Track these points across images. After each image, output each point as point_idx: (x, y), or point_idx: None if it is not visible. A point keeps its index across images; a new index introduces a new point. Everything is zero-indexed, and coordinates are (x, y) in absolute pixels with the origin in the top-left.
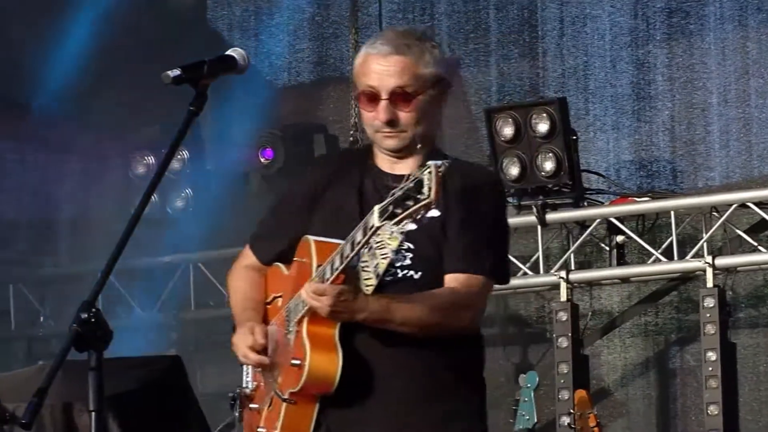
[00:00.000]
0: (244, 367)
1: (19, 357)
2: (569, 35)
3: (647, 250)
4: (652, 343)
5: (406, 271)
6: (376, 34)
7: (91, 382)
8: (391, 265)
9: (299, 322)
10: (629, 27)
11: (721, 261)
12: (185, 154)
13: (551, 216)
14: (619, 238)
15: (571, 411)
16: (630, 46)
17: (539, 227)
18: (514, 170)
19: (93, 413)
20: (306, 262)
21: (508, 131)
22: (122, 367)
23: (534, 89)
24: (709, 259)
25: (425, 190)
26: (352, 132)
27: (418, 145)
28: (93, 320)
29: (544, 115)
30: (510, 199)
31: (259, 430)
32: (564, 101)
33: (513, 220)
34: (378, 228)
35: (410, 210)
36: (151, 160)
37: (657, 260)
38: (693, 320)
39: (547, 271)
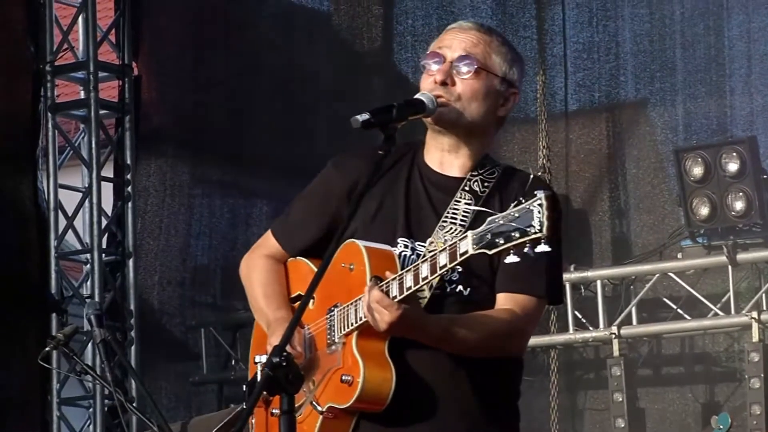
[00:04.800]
0: (259, 366)
1: (211, 400)
2: (757, 73)
3: None
4: None
5: (454, 286)
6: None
7: (282, 425)
8: (439, 278)
9: (347, 335)
10: None
11: None
12: None
13: (742, 256)
14: None
15: None
16: None
17: (730, 267)
18: (704, 210)
19: None
20: (356, 269)
21: (697, 171)
22: None
23: (721, 128)
24: None
25: (536, 223)
26: (540, 173)
27: (465, 137)
28: (284, 364)
29: (734, 154)
30: (700, 239)
31: None
32: (754, 140)
33: (703, 261)
34: (471, 255)
35: (516, 242)
36: None
37: None
38: None
39: (737, 311)
